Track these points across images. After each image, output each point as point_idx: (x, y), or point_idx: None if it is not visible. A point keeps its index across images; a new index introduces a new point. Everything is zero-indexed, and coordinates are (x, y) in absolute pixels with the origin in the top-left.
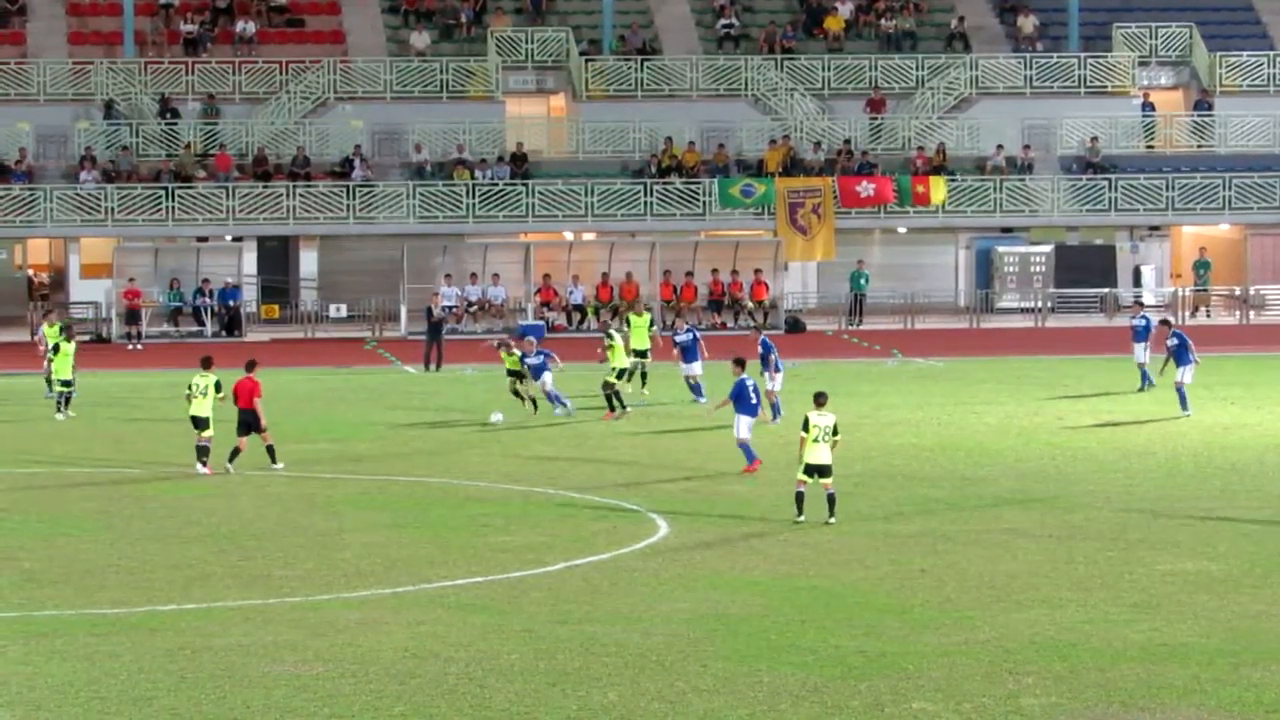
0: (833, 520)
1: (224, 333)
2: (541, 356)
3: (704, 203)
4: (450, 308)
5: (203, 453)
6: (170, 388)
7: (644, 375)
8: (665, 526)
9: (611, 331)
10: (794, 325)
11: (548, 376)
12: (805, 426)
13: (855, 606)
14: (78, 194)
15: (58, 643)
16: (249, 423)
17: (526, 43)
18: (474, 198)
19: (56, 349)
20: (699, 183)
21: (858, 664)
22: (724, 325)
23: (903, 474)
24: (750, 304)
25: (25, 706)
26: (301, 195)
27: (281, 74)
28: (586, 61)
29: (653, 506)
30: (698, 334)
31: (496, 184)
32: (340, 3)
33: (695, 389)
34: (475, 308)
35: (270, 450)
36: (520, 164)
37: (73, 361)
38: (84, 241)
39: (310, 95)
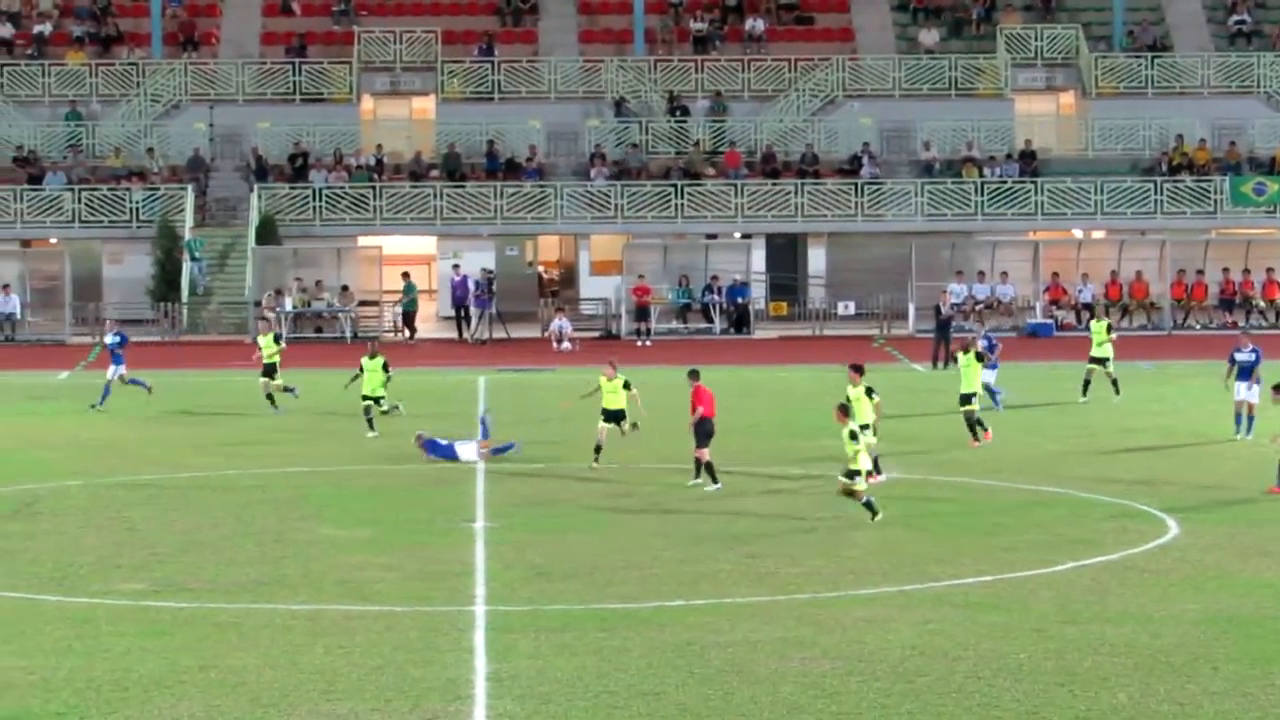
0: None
1: (732, 330)
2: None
3: (1215, 201)
4: (959, 305)
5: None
6: (678, 385)
7: (1115, 382)
8: (1175, 527)
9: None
10: None
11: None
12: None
13: None
14: (588, 191)
15: (567, 637)
16: (710, 433)
17: (1036, 40)
18: (983, 195)
19: (361, 370)
20: (1210, 180)
21: None
22: (1234, 324)
23: None
24: (1261, 303)
25: (535, 700)
26: (810, 192)
27: (790, 71)
28: (1097, 58)
29: (1162, 506)
30: (994, 340)
31: (1005, 181)
32: (850, 0)
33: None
34: (983, 305)
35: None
36: (1029, 161)
37: (383, 377)
38: (594, 238)
39: (819, 93)
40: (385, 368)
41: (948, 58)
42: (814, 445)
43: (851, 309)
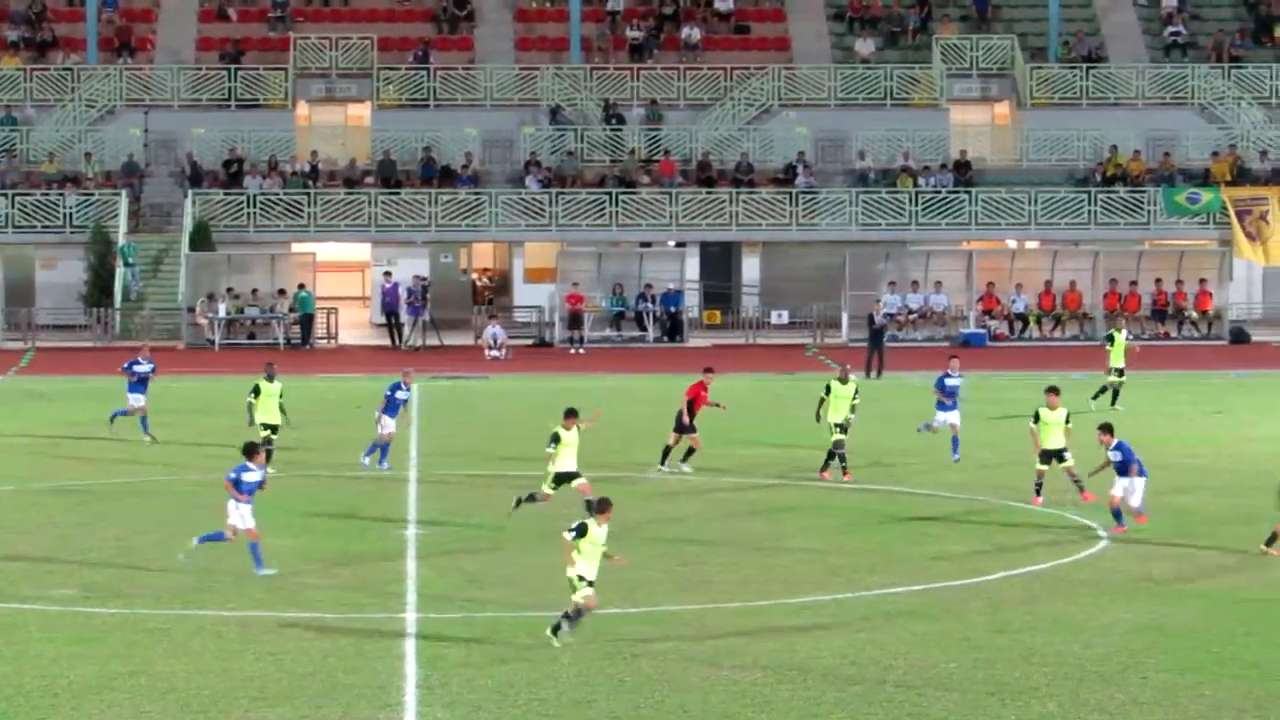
0: None
1: (666, 338)
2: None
3: (1149, 211)
4: (892, 315)
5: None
6: (611, 392)
7: (1116, 393)
8: (1106, 537)
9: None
10: (1238, 336)
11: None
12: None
13: None
14: (522, 198)
15: (498, 645)
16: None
17: (971, 50)
18: (917, 205)
19: (257, 391)
20: (1144, 191)
21: None
22: (1167, 335)
23: None
24: (1194, 314)
25: (465, 707)
26: (744, 201)
27: (726, 80)
28: (1032, 69)
29: (1094, 517)
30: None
31: (940, 191)
32: (786, 10)
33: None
34: (917, 315)
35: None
36: (964, 171)
37: (279, 403)
38: (528, 246)
39: (754, 102)
40: (281, 393)
41: (883, 68)
42: (745, 453)
43: (785, 318)
